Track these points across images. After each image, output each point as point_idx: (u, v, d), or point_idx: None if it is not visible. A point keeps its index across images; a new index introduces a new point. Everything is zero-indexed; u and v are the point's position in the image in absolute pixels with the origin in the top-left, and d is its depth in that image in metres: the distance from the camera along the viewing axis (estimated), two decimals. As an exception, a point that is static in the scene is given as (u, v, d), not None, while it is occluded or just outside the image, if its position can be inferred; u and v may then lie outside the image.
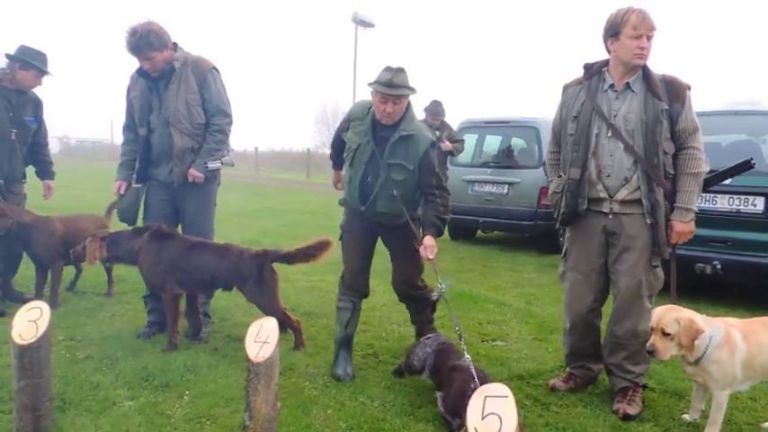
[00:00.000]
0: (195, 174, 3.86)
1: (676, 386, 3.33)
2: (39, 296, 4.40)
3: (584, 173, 2.96)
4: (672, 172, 2.89)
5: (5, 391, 3.00)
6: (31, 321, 2.59)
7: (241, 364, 3.48)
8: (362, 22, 14.54)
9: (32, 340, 2.54)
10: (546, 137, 7.99)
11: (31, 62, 4.26)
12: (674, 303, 2.75)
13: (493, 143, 8.99)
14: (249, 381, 2.45)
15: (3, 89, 4.26)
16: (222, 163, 4.01)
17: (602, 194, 2.95)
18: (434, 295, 3.65)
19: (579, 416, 2.97)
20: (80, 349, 3.65)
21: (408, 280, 3.58)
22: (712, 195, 4.97)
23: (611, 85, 2.96)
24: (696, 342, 2.60)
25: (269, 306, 3.70)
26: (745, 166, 3.01)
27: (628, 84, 2.91)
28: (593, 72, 3.02)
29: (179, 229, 4.09)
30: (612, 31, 2.91)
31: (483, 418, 1.95)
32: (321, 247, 3.76)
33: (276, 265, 3.81)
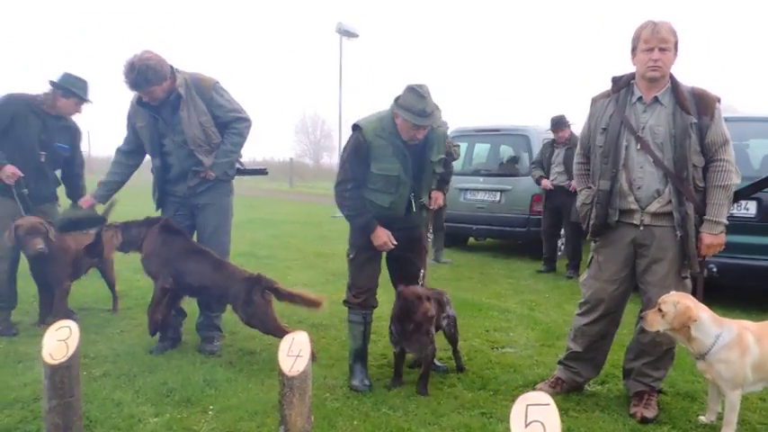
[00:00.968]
0: (212, 174, 3.91)
1: (688, 389, 3.43)
2: (43, 321, 4.38)
3: (614, 185, 3.01)
4: (702, 185, 2.94)
5: (28, 411, 2.99)
6: (60, 341, 2.58)
7: (258, 377, 3.53)
8: (347, 33, 14.62)
9: (63, 360, 2.53)
10: (536, 145, 8.18)
11: (71, 90, 4.30)
12: None
13: (483, 151, 9.12)
14: (284, 395, 2.47)
15: (41, 112, 4.30)
16: (245, 171, 4.20)
17: (634, 206, 3.01)
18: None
19: (599, 420, 3.04)
20: (95, 366, 3.63)
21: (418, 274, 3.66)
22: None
23: (640, 98, 3.02)
24: (695, 334, 2.73)
25: (264, 328, 3.76)
26: None
27: (656, 97, 2.97)
28: (622, 85, 3.08)
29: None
30: (632, 47, 3.01)
31: (526, 426, 2.00)
32: (312, 303, 3.86)
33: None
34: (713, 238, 2.92)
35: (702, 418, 3.01)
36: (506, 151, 8.77)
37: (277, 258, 7.65)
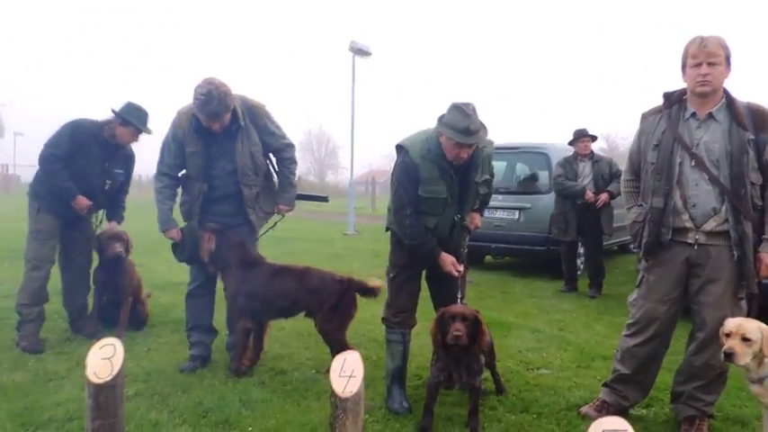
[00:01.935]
0: (285, 208, 4.01)
1: (737, 413, 3.33)
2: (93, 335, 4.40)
3: (667, 202, 2.94)
4: (760, 203, 2.87)
5: (64, 432, 2.90)
6: (105, 359, 2.51)
7: (293, 397, 3.45)
8: (360, 51, 14.67)
9: (108, 379, 2.46)
10: (555, 162, 8.13)
11: (128, 119, 4.35)
12: None
13: (502, 169, 9.06)
14: (336, 417, 2.38)
15: (104, 141, 4.37)
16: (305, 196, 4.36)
17: (688, 224, 2.93)
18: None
19: (651, 445, 2.95)
20: (126, 386, 3.49)
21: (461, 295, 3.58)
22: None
23: (693, 114, 2.96)
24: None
25: (336, 337, 3.67)
26: None
27: (711, 113, 2.91)
28: (674, 101, 3.03)
29: None
30: (681, 63, 2.95)
31: (603, 453, 1.92)
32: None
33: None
34: None
35: (758, 444, 2.91)
36: (525, 169, 8.71)
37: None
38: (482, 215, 3.68)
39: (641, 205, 3.13)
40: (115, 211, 4.77)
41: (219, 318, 4.20)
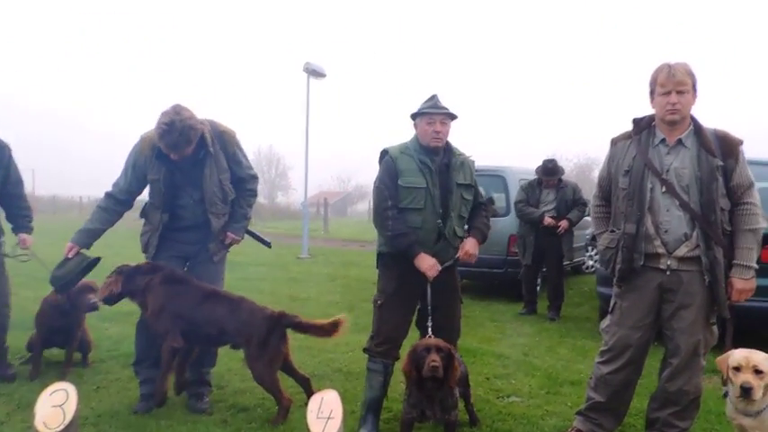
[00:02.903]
0: (235, 237, 3.81)
1: (708, 437, 3.33)
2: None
3: (639, 228, 2.93)
4: (729, 229, 2.90)
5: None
6: (56, 407, 2.30)
7: (259, 437, 3.24)
8: (314, 72, 14.58)
9: (60, 428, 2.24)
10: (512, 185, 8.21)
11: None
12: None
13: (458, 192, 9.08)
14: (314, 462, 2.24)
15: None
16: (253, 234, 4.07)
17: (660, 250, 2.93)
18: None
19: (629, 475, 2.90)
20: (75, 430, 3.27)
21: (457, 328, 3.48)
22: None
23: (663, 140, 2.98)
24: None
25: (268, 377, 3.46)
26: None
27: (680, 139, 2.94)
28: (643, 126, 3.04)
29: None
30: (649, 90, 2.99)
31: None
32: (337, 326, 3.57)
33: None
34: (744, 283, 2.86)
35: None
36: (483, 192, 8.74)
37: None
38: (477, 241, 3.44)
39: (613, 231, 3.12)
40: (20, 222, 4.31)
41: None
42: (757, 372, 2.56)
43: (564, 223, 6.82)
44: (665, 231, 2.93)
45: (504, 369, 4.70)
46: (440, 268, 3.28)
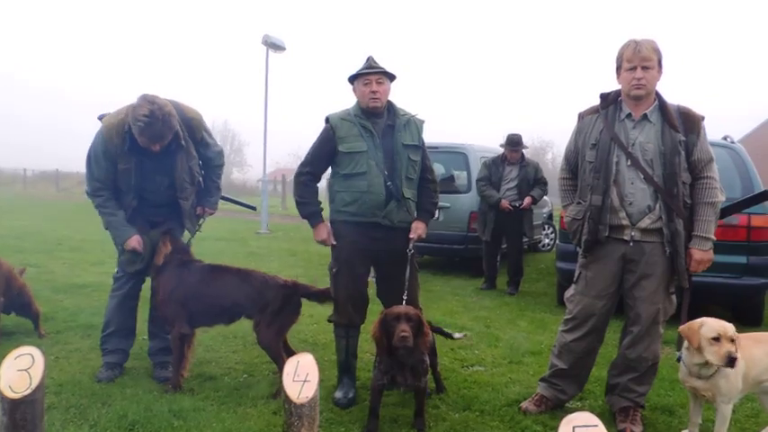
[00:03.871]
0: (210, 211, 3.82)
1: (664, 402, 3.48)
2: None
3: (605, 200, 3.01)
4: (689, 201, 3.01)
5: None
6: (21, 370, 2.22)
7: (228, 404, 3.25)
8: (273, 45, 14.31)
9: (27, 392, 2.16)
10: (473, 162, 8.29)
11: None
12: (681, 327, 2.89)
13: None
14: (291, 424, 2.23)
15: None
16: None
17: (625, 222, 3.02)
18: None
19: (591, 437, 3.01)
20: (35, 399, 3.18)
21: (415, 299, 3.50)
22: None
23: (629, 115, 3.05)
24: None
25: (274, 345, 3.44)
26: (764, 197, 3.20)
27: (645, 114, 3.02)
28: (610, 101, 3.11)
29: None
30: (616, 66, 3.05)
31: (573, 449, 1.91)
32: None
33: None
34: (703, 254, 2.98)
35: (687, 432, 3.05)
36: (445, 168, 8.81)
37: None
38: (426, 223, 3.52)
39: (579, 203, 3.20)
40: None
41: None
42: (732, 341, 2.68)
43: (527, 200, 6.94)
44: (630, 204, 3.02)
45: (468, 340, 4.78)
46: (333, 243, 3.41)
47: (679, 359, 2.92)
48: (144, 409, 3.06)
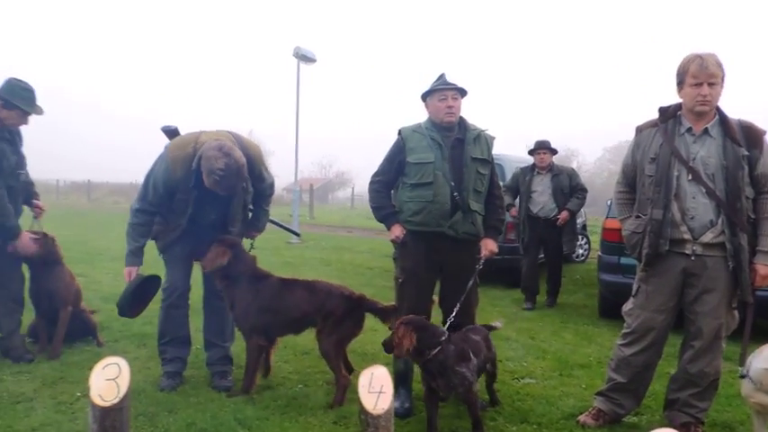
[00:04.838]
0: (256, 234, 3.98)
1: (721, 418, 3.45)
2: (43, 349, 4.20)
3: (666, 214, 3.03)
4: (753, 216, 3.00)
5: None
6: (110, 380, 2.31)
7: (289, 414, 3.31)
8: (304, 57, 14.50)
9: (115, 401, 2.26)
10: (510, 173, 8.26)
11: (13, 102, 3.80)
12: (745, 345, 2.88)
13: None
14: (367, 435, 2.30)
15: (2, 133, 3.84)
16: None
17: (686, 236, 3.02)
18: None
19: (652, 452, 3.01)
20: (105, 406, 3.28)
21: (471, 310, 3.55)
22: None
23: (689, 129, 3.07)
24: None
25: (334, 354, 3.54)
26: None
27: (706, 129, 3.03)
28: (669, 115, 3.13)
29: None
30: (678, 80, 3.07)
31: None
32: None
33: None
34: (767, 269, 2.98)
35: (753, 448, 3.03)
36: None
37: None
38: (495, 240, 3.58)
39: (639, 216, 3.21)
40: (28, 191, 4.33)
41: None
42: None
43: (563, 215, 6.56)
44: (692, 218, 3.03)
45: (514, 352, 4.80)
46: (404, 241, 3.48)
47: (743, 375, 2.91)
48: (210, 417, 3.15)
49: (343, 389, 3.49)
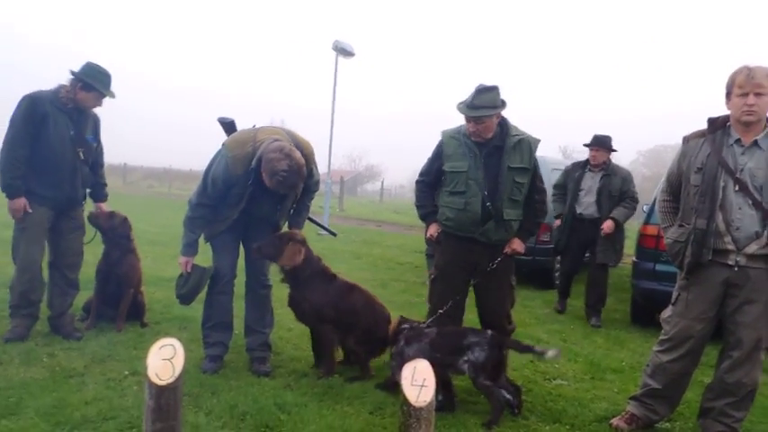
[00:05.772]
0: (296, 229, 4.01)
1: (756, 429, 3.46)
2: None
3: (710, 224, 3.04)
4: None
5: (102, 433, 2.78)
6: (165, 360, 2.42)
7: (326, 402, 3.41)
8: (343, 51, 14.61)
9: (171, 380, 2.37)
10: (546, 174, 8.22)
11: (92, 84, 4.01)
12: None
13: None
14: (408, 426, 2.36)
15: (65, 108, 4.01)
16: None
17: (730, 246, 3.03)
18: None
19: (685, 459, 3.03)
20: (151, 385, 3.42)
21: (504, 311, 3.60)
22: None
23: (738, 140, 3.07)
24: None
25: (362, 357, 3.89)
26: None
27: (756, 140, 3.03)
28: (718, 126, 3.13)
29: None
30: (726, 91, 3.06)
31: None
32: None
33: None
34: None
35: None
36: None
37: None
38: (523, 241, 3.63)
39: (682, 225, 3.22)
40: (99, 190, 4.54)
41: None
42: None
43: (607, 225, 5.91)
44: (737, 229, 3.02)
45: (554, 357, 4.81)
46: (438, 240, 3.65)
47: None
48: (252, 400, 3.26)
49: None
